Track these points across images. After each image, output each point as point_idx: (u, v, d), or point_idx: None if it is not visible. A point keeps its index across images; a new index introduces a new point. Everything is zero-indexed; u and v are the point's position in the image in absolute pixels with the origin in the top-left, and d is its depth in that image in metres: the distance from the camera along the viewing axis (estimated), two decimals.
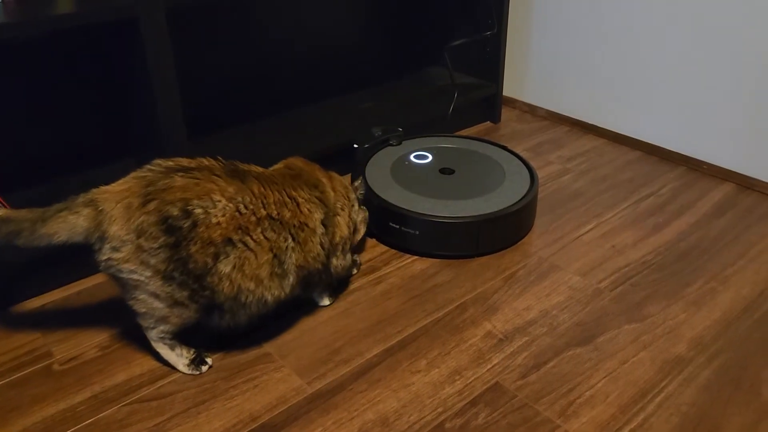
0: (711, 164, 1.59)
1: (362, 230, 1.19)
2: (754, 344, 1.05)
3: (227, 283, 0.92)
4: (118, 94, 1.31)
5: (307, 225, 0.99)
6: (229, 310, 0.95)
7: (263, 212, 0.94)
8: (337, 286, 1.17)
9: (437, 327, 1.09)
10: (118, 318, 1.06)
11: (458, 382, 0.98)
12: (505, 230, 1.28)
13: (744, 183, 1.53)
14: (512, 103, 1.99)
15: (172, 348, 0.98)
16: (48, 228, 0.88)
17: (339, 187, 1.11)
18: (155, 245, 0.87)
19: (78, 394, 0.95)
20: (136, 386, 0.97)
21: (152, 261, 0.87)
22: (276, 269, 0.95)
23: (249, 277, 0.93)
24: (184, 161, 0.94)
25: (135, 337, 1.03)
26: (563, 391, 0.96)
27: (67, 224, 0.88)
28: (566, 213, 1.43)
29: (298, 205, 0.99)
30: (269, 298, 0.96)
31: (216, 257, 0.90)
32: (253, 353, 1.03)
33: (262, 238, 0.93)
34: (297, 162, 1.09)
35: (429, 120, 1.69)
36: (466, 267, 1.24)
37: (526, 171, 1.39)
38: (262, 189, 0.95)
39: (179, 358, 0.98)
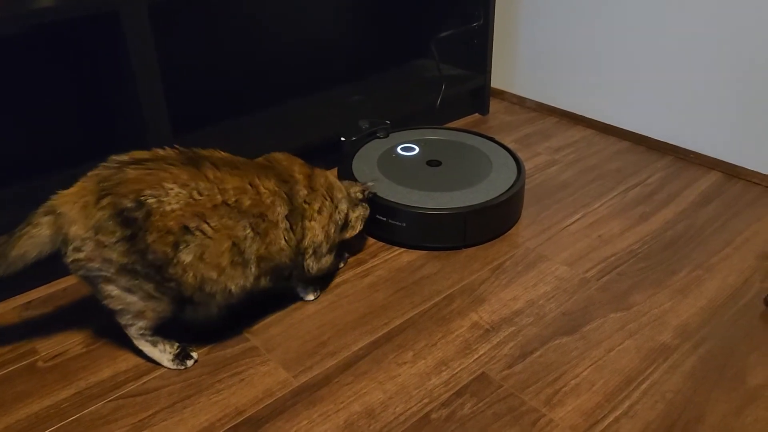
0: (698, 153, 1.59)
1: (357, 227, 1.17)
2: (740, 331, 1.05)
3: (191, 274, 0.91)
4: (100, 90, 1.30)
5: (267, 216, 0.97)
6: (200, 301, 0.95)
7: (219, 198, 0.92)
8: (322, 280, 1.17)
9: (424, 319, 1.09)
10: (103, 314, 1.05)
11: (444, 372, 0.98)
12: (492, 221, 1.28)
13: (730, 171, 1.54)
14: (501, 95, 1.99)
15: (154, 344, 0.97)
16: (17, 249, 0.89)
17: (318, 185, 1.06)
18: (113, 239, 0.86)
19: (62, 391, 0.95)
20: (121, 382, 0.96)
21: (113, 256, 0.87)
22: (236, 257, 0.94)
23: (210, 265, 0.92)
24: (138, 154, 0.92)
25: (120, 332, 1.02)
26: (549, 380, 0.96)
27: (33, 239, 0.89)
28: (554, 203, 1.43)
29: (259, 194, 0.96)
30: (233, 287, 0.95)
31: (176, 246, 0.89)
32: (239, 347, 1.03)
33: (219, 225, 0.91)
34: (278, 155, 1.08)
35: (416, 112, 1.69)
36: (453, 258, 1.24)
37: (513, 162, 1.39)
38: (218, 174, 0.93)
39: (163, 353, 0.98)
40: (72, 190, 0.90)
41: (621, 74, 1.68)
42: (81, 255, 0.88)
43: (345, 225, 1.15)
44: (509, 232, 1.33)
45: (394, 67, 1.91)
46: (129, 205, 0.87)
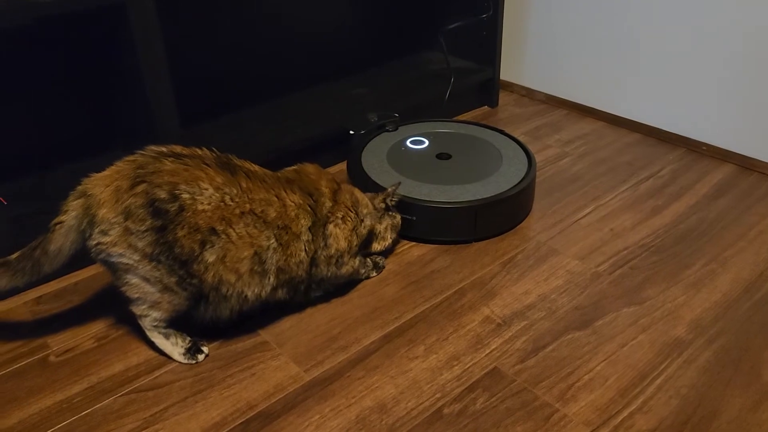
0: (710, 145, 1.57)
1: (389, 238, 1.17)
2: (755, 326, 1.04)
3: (211, 273, 0.91)
4: (109, 83, 1.29)
5: (290, 228, 0.97)
6: (213, 301, 0.95)
7: (247, 207, 0.93)
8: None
9: (435, 313, 1.08)
10: (115, 309, 1.06)
11: (456, 367, 0.97)
12: (503, 214, 1.27)
13: (744, 164, 1.52)
14: (510, 87, 1.97)
15: (167, 337, 0.97)
16: (54, 243, 0.89)
17: (343, 200, 1.06)
18: (142, 228, 0.86)
19: (75, 385, 0.95)
20: (133, 376, 0.96)
21: (140, 244, 0.87)
22: (256, 267, 0.94)
23: (230, 269, 0.92)
24: (177, 148, 0.93)
25: (132, 327, 1.02)
26: (562, 375, 0.96)
27: (64, 227, 0.89)
28: (565, 196, 1.41)
29: (285, 207, 0.97)
30: (249, 294, 0.95)
31: (203, 245, 0.89)
32: (250, 341, 1.03)
33: (244, 232, 0.92)
34: (309, 168, 1.07)
35: (425, 105, 1.67)
36: (464, 252, 1.23)
37: (524, 155, 1.38)
38: (250, 185, 0.94)
39: (174, 347, 0.97)
40: (105, 173, 0.90)
41: (631, 65, 1.66)
42: (107, 239, 0.87)
43: (373, 238, 1.15)
44: (520, 225, 1.32)
45: (403, 59, 1.89)
46: (163, 196, 0.87)
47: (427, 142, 1.43)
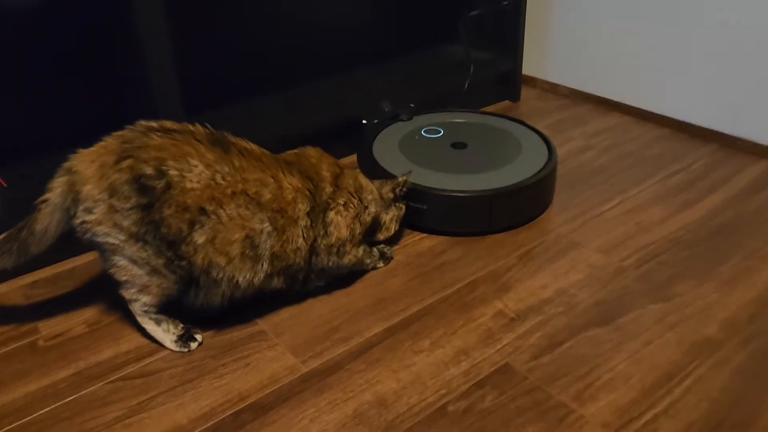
0: (747, 140, 1.48)
1: (392, 228, 1.11)
2: None
3: (201, 255, 0.86)
4: (113, 69, 1.26)
5: (286, 212, 0.91)
6: (204, 286, 0.89)
7: (240, 187, 0.87)
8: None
9: (444, 306, 1.01)
10: (110, 295, 1.01)
11: (464, 362, 0.90)
12: (520, 205, 1.20)
13: None
14: (532, 82, 1.90)
15: (158, 323, 0.92)
16: (40, 223, 0.86)
17: (346, 185, 1.00)
18: (127, 205, 0.82)
19: (61, 371, 0.90)
20: (122, 363, 0.92)
21: (125, 223, 0.82)
22: (248, 251, 0.88)
23: (219, 252, 0.87)
24: (168, 123, 0.89)
25: (125, 313, 0.98)
26: (580, 373, 0.88)
27: (49, 206, 0.85)
28: (588, 189, 1.33)
29: (281, 189, 0.91)
30: (240, 279, 0.90)
31: (191, 225, 0.84)
32: (246, 331, 0.97)
33: (235, 214, 0.86)
34: (310, 150, 1.01)
35: (443, 97, 1.61)
36: (478, 244, 1.16)
37: (544, 145, 1.31)
38: (244, 163, 0.88)
39: (166, 333, 0.93)
40: (92, 148, 0.86)
41: (660, 58, 1.57)
42: (91, 217, 0.83)
43: (378, 227, 1.09)
44: (539, 218, 1.24)
45: (422, 51, 1.83)
46: (149, 172, 0.82)
47: (442, 132, 1.37)
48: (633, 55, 1.63)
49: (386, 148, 1.30)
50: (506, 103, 1.79)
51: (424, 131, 1.37)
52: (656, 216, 1.23)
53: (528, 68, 1.87)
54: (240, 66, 1.50)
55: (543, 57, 1.85)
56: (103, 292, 1.04)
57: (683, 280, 1.05)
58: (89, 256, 1.14)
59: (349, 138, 1.45)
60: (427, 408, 0.83)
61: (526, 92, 1.85)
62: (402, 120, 1.42)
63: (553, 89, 1.86)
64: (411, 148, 1.30)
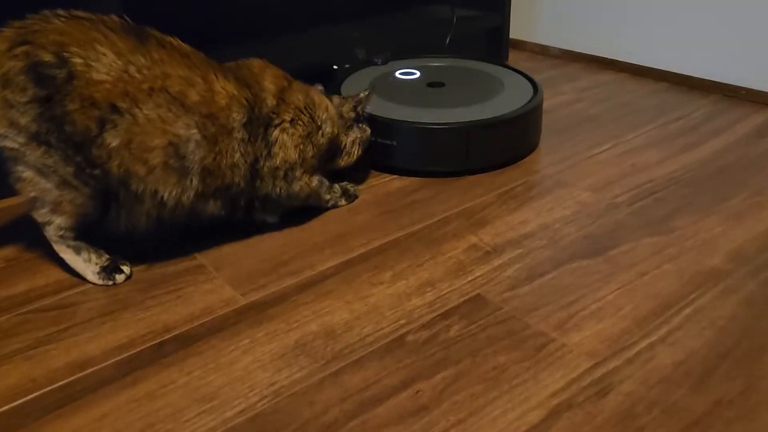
0: (750, 89, 1.36)
1: (354, 153, 0.98)
2: None
3: (116, 162, 0.74)
4: None
5: (218, 119, 0.79)
6: (125, 203, 0.77)
7: (159, 83, 0.75)
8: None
9: (411, 240, 0.89)
10: (33, 234, 0.89)
11: (429, 294, 0.78)
12: (501, 142, 1.08)
13: None
14: (522, 45, 1.79)
15: (77, 251, 0.80)
16: None
17: (294, 100, 0.88)
18: (23, 99, 0.70)
19: None
20: (36, 297, 0.79)
21: (23, 120, 0.71)
22: (172, 161, 0.76)
23: (137, 159, 0.75)
24: (78, 12, 0.76)
25: (48, 250, 0.86)
26: (563, 303, 0.75)
27: None
28: (578, 135, 1.22)
29: (212, 92, 0.79)
30: (165, 195, 0.77)
31: (101, 124, 0.72)
32: (183, 265, 0.85)
33: (154, 115, 0.74)
34: (254, 61, 0.89)
35: (423, 50, 1.50)
36: (453, 184, 1.04)
37: (528, 83, 1.19)
38: (165, 56, 0.76)
39: (87, 264, 0.80)
40: None
41: (654, 11, 1.47)
42: None
43: (338, 151, 0.97)
44: (523, 159, 1.12)
45: (403, 6, 1.72)
46: (47, 59, 0.71)
47: (418, 74, 1.26)
48: (624, 10, 1.53)
49: (356, 88, 1.19)
50: None
51: (399, 73, 1.26)
52: (653, 158, 1.11)
53: (516, 32, 1.77)
54: (213, 17, 1.40)
55: (531, 18, 1.75)
56: (29, 232, 0.92)
57: (683, 215, 0.93)
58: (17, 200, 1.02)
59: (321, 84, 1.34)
60: (381, 338, 0.71)
61: (514, 55, 1.74)
62: (376, 63, 1.31)
63: (543, 51, 1.75)
64: (383, 89, 1.18)
